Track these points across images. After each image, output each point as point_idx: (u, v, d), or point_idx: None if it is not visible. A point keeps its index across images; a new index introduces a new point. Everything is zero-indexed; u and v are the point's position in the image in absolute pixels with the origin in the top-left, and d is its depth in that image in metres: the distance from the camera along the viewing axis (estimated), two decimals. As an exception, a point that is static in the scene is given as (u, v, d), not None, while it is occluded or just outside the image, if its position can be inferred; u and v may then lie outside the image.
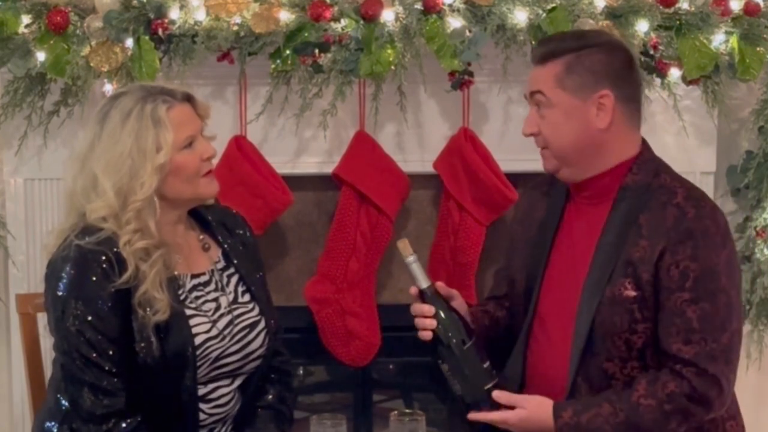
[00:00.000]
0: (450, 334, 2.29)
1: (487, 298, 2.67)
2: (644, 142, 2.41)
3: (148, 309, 2.28)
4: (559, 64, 2.32)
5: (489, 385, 2.28)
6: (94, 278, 2.28)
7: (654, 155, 2.40)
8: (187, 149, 2.35)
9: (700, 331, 2.22)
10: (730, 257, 2.29)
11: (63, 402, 2.36)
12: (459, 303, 2.40)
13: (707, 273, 2.24)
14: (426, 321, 2.31)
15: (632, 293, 2.26)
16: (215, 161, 2.49)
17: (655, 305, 2.26)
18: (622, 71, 2.35)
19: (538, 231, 2.46)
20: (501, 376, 2.37)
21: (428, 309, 2.31)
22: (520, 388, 2.43)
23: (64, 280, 2.29)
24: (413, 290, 2.35)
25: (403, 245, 2.33)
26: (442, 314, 2.31)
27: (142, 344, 2.29)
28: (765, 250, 3.41)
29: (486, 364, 2.29)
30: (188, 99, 2.38)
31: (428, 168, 3.36)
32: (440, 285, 2.37)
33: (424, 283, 2.33)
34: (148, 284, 2.28)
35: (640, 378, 2.27)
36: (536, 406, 2.27)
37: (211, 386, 2.41)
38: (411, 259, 2.32)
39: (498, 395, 2.28)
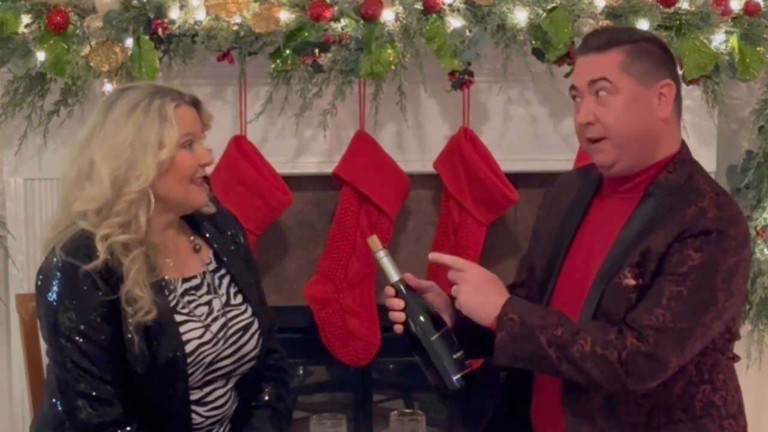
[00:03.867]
0: (418, 327, 2.29)
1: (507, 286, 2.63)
2: (683, 142, 2.38)
3: (132, 307, 2.26)
4: (621, 51, 2.29)
5: (458, 376, 2.27)
6: (84, 288, 2.27)
7: (691, 156, 2.38)
8: (187, 150, 2.34)
9: (666, 307, 2.18)
10: (737, 266, 2.23)
11: (59, 407, 2.34)
12: (435, 294, 2.37)
13: (705, 267, 2.20)
14: (394, 315, 2.30)
15: (632, 282, 2.24)
16: (210, 168, 2.47)
17: None
18: (674, 66, 2.35)
19: (562, 221, 2.44)
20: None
21: (398, 303, 2.30)
22: (530, 378, 2.42)
23: (56, 292, 2.28)
24: (388, 290, 2.33)
25: (372, 241, 2.33)
26: (410, 307, 2.30)
27: (134, 353, 2.28)
28: (765, 250, 3.41)
29: (456, 355, 2.27)
30: (195, 103, 2.39)
31: (428, 168, 3.36)
32: (409, 276, 2.34)
33: (395, 276, 2.32)
34: (129, 282, 2.27)
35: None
36: (492, 278, 2.31)
37: (206, 389, 2.39)
38: (381, 253, 2.31)
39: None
